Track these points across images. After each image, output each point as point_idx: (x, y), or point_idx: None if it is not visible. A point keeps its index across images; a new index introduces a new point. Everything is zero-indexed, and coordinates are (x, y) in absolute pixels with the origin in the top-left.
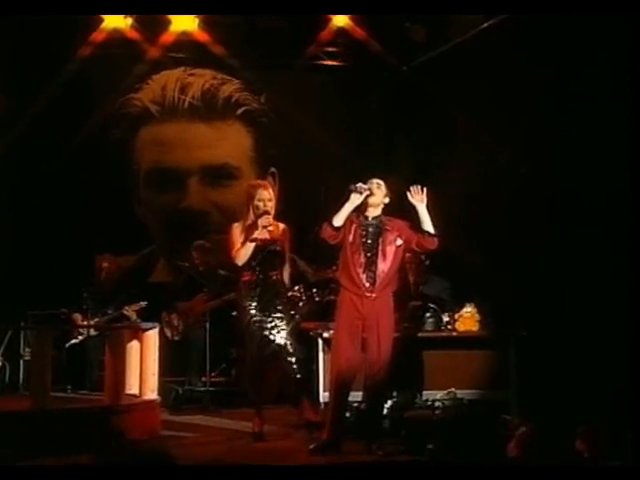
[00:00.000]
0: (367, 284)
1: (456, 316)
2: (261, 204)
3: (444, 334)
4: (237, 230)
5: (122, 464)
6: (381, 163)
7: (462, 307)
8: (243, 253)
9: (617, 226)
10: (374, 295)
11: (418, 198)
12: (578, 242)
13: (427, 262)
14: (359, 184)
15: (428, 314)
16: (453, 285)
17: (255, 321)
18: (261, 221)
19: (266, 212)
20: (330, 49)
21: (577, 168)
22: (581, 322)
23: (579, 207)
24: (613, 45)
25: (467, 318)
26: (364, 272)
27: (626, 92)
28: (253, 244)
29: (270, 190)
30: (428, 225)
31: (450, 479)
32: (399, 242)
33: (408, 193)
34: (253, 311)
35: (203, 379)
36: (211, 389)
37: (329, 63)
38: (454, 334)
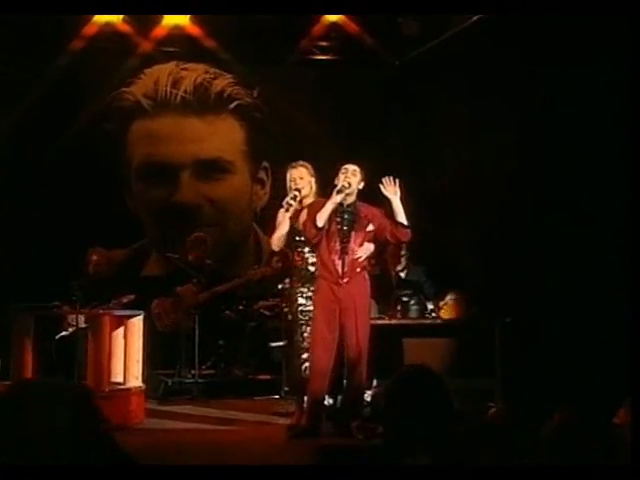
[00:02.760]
0: (341, 270)
1: (440, 304)
2: (292, 184)
3: (428, 321)
4: (280, 215)
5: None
6: (373, 157)
7: (446, 294)
8: (276, 237)
9: (603, 215)
10: (347, 279)
11: (391, 190)
12: (563, 230)
13: (407, 254)
14: (341, 183)
15: (412, 302)
16: (436, 272)
17: (302, 311)
18: (285, 200)
19: (296, 190)
20: (323, 43)
21: (566, 160)
22: (566, 309)
23: (566, 197)
24: (610, 44)
25: (451, 305)
26: (339, 259)
27: (624, 91)
28: (286, 227)
29: (302, 169)
30: (401, 216)
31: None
32: (370, 227)
33: (381, 185)
34: (301, 299)
35: (193, 372)
36: (201, 381)
37: (322, 57)
38: (438, 321)
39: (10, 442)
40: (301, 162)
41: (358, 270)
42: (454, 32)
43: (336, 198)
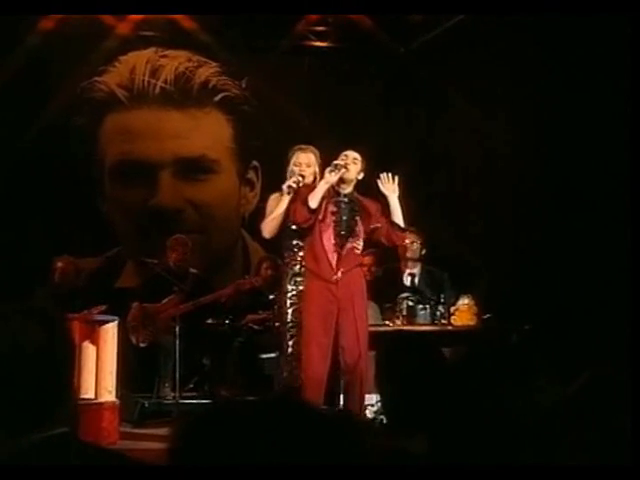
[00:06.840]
0: (336, 265)
1: (452, 309)
2: (296, 169)
3: (438, 328)
4: (273, 202)
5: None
6: (375, 153)
7: (458, 299)
8: (267, 225)
9: (618, 213)
10: (341, 275)
11: (389, 188)
12: (581, 230)
13: (423, 251)
14: (335, 161)
15: (420, 306)
16: (449, 275)
17: (295, 310)
18: (286, 183)
19: (301, 175)
20: (319, 28)
21: (578, 156)
22: (586, 314)
23: (581, 195)
24: (613, 41)
25: (464, 311)
26: (334, 252)
27: (625, 86)
28: (280, 216)
29: (311, 154)
30: (398, 217)
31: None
32: (376, 225)
33: (378, 181)
34: (294, 299)
35: (173, 394)
36: (182, 402)
37: (318, 44)
38: (449, 328)
39: None
40: (311, 147)
41: (357, 266)
42: (463, 18)
43: (329, 177)
